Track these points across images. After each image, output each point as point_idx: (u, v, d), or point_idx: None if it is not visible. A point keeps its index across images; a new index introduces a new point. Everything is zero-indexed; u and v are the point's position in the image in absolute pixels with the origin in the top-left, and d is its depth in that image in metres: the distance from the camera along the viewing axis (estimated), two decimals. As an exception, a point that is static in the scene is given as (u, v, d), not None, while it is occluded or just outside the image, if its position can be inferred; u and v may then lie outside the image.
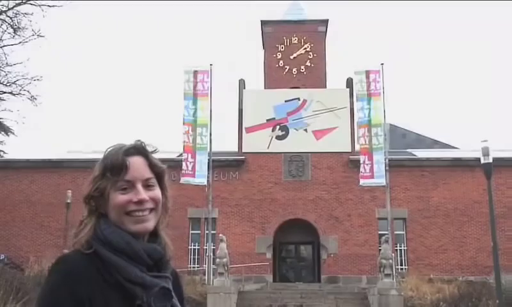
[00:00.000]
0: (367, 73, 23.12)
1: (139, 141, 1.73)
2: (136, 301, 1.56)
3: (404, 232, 27.82)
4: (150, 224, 1.66)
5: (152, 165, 1.70)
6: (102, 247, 1.59)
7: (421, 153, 31.55)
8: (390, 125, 38.90)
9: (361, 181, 23.08)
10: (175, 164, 22.40)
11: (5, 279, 13.95)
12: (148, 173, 1.68)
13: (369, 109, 22.73)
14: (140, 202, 1.63)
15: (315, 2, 57.26)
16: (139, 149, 1.70)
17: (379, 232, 26.66)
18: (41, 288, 1.59)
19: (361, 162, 22.71)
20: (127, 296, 1.56)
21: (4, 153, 34.17)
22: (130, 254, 1.59)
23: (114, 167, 1.64)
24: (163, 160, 1.78)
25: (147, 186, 1.67)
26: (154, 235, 1.70)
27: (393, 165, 24.30)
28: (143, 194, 1.64)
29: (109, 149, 1.71)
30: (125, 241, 1.60)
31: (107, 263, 1.58)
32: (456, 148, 36.29)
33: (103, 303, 1.53)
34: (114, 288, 1.56)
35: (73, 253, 1.60)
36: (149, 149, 1.73)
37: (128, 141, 1.74)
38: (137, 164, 1.67)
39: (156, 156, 1.76)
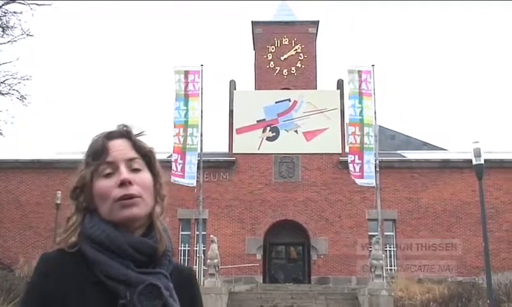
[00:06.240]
0: (360, 72, 23.16)
1: (121, 124, 1.61)
2: (118, 300, 1.42)
3: (393, 233, 27.96)
4: (138, 210, 1.49)
5: (136, 146, 1.57)
6: (85, 244, 1.48)
7: (410, 155, 31.69)
8: (380, 126, 39.06)
9: (353, 179, 23.00)
10: (166, 165, 22.27)
11: (-5, 280, 13.83)
12: (132, 153, 1.55)
13: (361, 108, 22.66)
14: (123, 183, 1.48)
15: (304, 3, 57.33)
16: (121, 133, 1.58)
17: (369, 233, 26.76)
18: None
19: (350, 160, 22.53)
20: (110, 295, 1.42)
21: (-8, 153, 33.85)
22: (112, 248, 1.45)
23: (95, 151, 1.53)
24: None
25: (133, 170, 1.53)
26: (151, 227, 1.54)
27: (383, 167, 24.36)
28: (125, 174, 1.49)
29: (92, 138, 1.60)
30: (106, 234, 1.46)
31: (90, 260, 1.46)
32: (445, 149, 36.49)
33: (80, 302, 1.41)
34: (97, 287, 1.43)
35: (55, 251, 1.50)
36: (134, 132, 1.60)
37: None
38: (118, 144, 1.55)
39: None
